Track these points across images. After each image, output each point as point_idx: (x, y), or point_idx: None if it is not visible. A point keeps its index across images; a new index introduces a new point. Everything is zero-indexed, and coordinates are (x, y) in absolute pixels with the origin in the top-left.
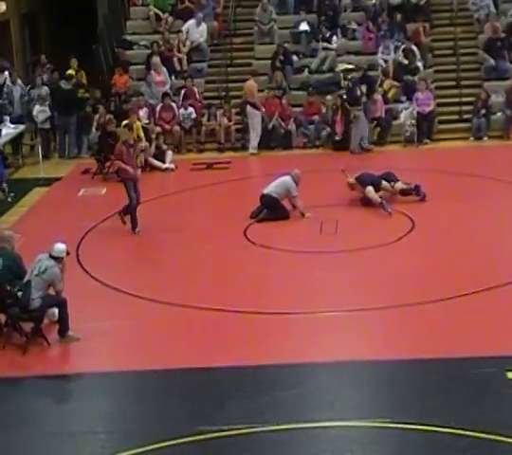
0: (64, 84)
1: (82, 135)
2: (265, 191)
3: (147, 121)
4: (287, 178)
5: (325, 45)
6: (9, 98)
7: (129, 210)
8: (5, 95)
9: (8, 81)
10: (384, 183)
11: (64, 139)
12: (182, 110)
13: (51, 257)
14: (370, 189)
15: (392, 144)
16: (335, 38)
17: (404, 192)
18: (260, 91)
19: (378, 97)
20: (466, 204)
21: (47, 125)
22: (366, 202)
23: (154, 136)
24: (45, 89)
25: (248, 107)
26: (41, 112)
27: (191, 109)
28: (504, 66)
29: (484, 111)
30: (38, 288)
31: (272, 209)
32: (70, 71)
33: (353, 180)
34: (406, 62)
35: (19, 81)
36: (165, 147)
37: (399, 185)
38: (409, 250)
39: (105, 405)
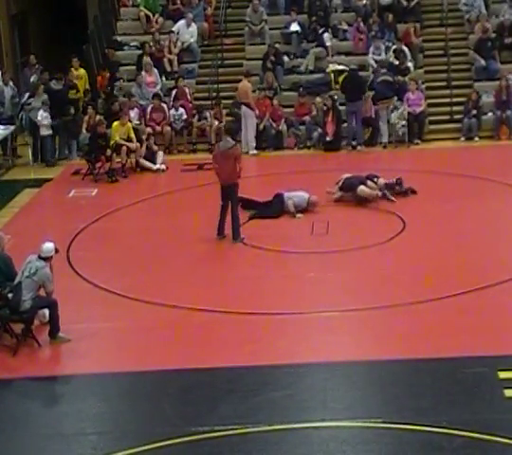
0: (54, 85)
1: (72, 137)
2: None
3: (137, 122)
4: (305, 195)
5: (326, 37)
6: (0, 98)
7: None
8: None
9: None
10: (369, 183)
11: (54, 141)
12: (173, 111)
13: (41, 258)
14: (362, 188)
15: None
16: (326, 35)
17: (388, 186)
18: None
19: (369, 97)
20: (456, 204)
21: (50, 131)
22: (360, 200)
23: (144, 136)
24: (45, 96)
25: (244, 108)
26: (45, 118)
27: (181, 110)
28: (495, 67)
29: (474, 111)
30: (29, 289)
31: (269, 203)
32: (82, 70)
33: (338, 195)
34: (397, 62)
35: (10, 83)
36: (156, 148)
37: (382, 180)
38: (400, 251)
39: (97, 406)
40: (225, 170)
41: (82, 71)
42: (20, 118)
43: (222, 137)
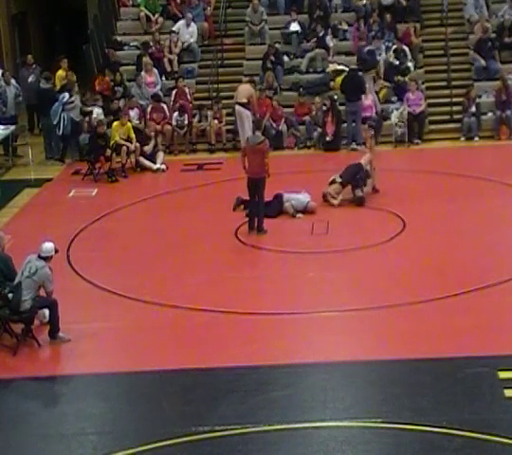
0: (42, 84)
1: (71, 137)
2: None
3: (137, 122)
4: (304, 200)
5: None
6: (2, 98)
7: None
8: None
9: (1, 82)
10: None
11: (50, 141)
12: (177, 116)
13: (40, 257)
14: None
15: (382, 144)
16: (328, 37)
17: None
18: None
19: (369, 97)
20: (456, 204)
21: (105, 127)
22: (359, 203)
23: (153, 133)
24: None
25: (238, 107)
26: (100, 115)
27: (185, 115)
28: (495, 67)
29: (473, 109)
30: (29, 290)
31: (269, 203)
32: (60, 72)
33: (339, 199)
34: (397, 62)
35: (13, 82)
36: (158, 147)
37: (364, 161)
38: (400, 250)
39: (97, 406)
40: (254, 164)
41: (69, 72)
42: (62, 118)
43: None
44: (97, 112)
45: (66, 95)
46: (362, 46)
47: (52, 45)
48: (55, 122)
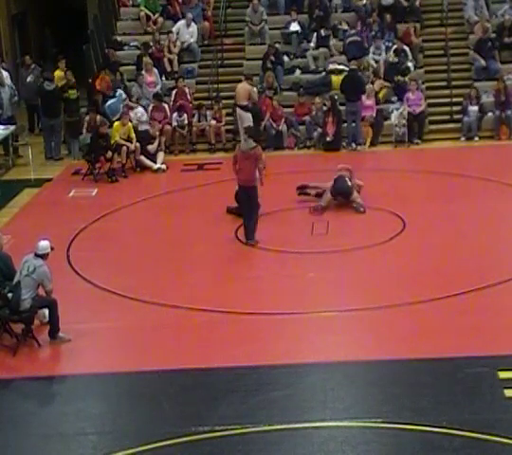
0: (46, 85)
1: (73, 137)
2: None
3: (136, 122)
4: None
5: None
6: None
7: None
8: None
9: None
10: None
11: (50, 141)
12: (176, 116)
13: (37, 255)
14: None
15: (383, 144)
16: (330, 37)
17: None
18: None
19: (372, 93)
20: (456, 204)
21: (148, 126)
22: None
23: (158, 133)
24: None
25: (238, 110)
26: (143, 114)
27: (184, 115)
28: (495, 67)
29: (475, 107)
30: (28, 288)
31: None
32: (58, 72)
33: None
34: (397, 62)
35: (8, 82)
36: (160, 147)
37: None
38: (400, 251)
39: (96, 406)
40: (244, 171)
41: (68, 71)
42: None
43: (243, 138)
44: (140, 111)
45: (122, 92)
46: (349, 35)
47: (52, 46)
48: (115, 119)
